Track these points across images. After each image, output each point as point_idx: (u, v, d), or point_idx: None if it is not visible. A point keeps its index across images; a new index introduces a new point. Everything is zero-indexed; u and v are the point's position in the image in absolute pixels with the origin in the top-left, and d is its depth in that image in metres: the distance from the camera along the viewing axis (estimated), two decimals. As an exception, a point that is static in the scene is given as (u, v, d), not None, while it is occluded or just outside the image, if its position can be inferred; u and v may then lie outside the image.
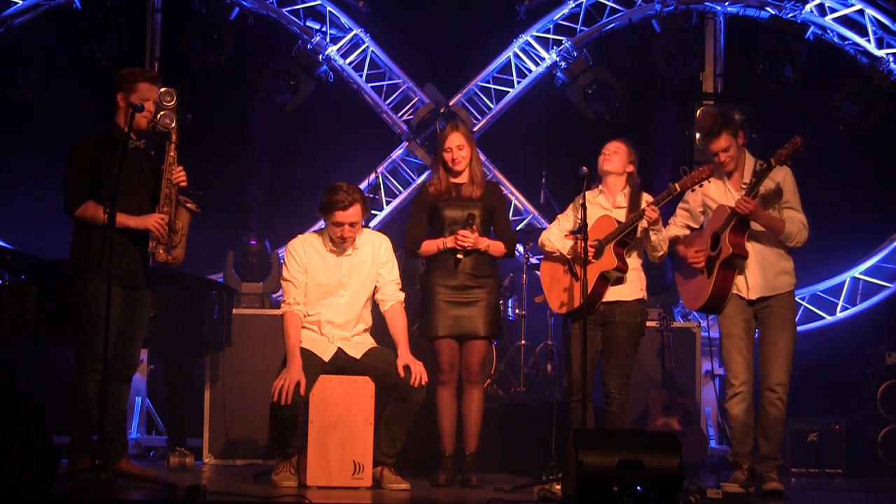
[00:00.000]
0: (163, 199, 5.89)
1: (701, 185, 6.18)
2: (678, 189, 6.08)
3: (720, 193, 6.22)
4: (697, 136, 9.03)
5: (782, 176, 6.12)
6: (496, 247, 6.41)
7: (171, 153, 5.92)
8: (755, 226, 6.07)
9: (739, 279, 6.13)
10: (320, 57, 9.43)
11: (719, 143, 6.15)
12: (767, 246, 6.12)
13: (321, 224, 6.89)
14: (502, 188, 8.13)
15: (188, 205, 5.94)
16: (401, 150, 9.67)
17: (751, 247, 6.11)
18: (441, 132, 6.54)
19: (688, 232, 6.35)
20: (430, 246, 6.41)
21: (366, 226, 6.98)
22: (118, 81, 5.91)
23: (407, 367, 5.99)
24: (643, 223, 6.05)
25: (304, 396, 5.88)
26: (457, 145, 6.39)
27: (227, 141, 9.25)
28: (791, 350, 6.09)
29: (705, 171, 6.10)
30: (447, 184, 6.43)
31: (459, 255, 6.31)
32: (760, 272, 6.11)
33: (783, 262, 6.15)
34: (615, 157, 6.24)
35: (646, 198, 6.20)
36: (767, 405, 6.09)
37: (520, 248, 8.65)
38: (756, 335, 6.20)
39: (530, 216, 9.59)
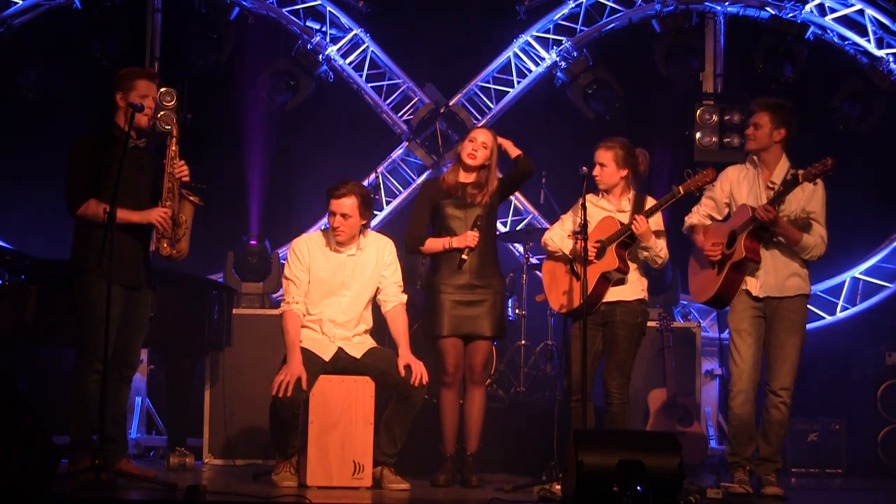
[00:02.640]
0: (165, 194, 5.89)
1: (704, 189, 6.19)
2: (681, 192, 6.07)
3: (749, 185, 6.19)
4: (698, 135, 9.10)
5: (813, 188, 6.07)
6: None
7: (173, 147, 5.92)
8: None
9: (750, 276, 6.12)
10: (320, 57, 9.43)
11: (755, 118, 6.17)
12: (783, 249, 6.10)
13: (322, 224, 6.92)
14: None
15: (191, 198, 5.94)
16: (401, 150, 9.67)
17: (766, 248, 6.09)
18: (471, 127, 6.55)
19: (709, 222, 6.30)
20: (434, 244, 6.39)
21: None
22: (116, 81, 5.92)
23: (407, 367, 5.99)
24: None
25: (305, 391, 5.88)
26: (481, 141, 6.37)
27: (226, 141, 9.25)
28: (798, 355, 6.07)
29: (709, 175, 6.10)
30: (455, 182, 6.42)
31: (464, 256, 6.30)
32: (773, 272, 6.09)
33: (796, 267, 6.11)
34: (604, 172, 6.19)
35: (649, 202, 6.19)
36: (771, 408, 6.08)
37: (520, 248, 8.65)
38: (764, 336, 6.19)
39: (530, 216, 9.59)
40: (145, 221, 5.84)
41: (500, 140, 6.39)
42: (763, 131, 6.15)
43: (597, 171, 6.20)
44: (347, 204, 6.06)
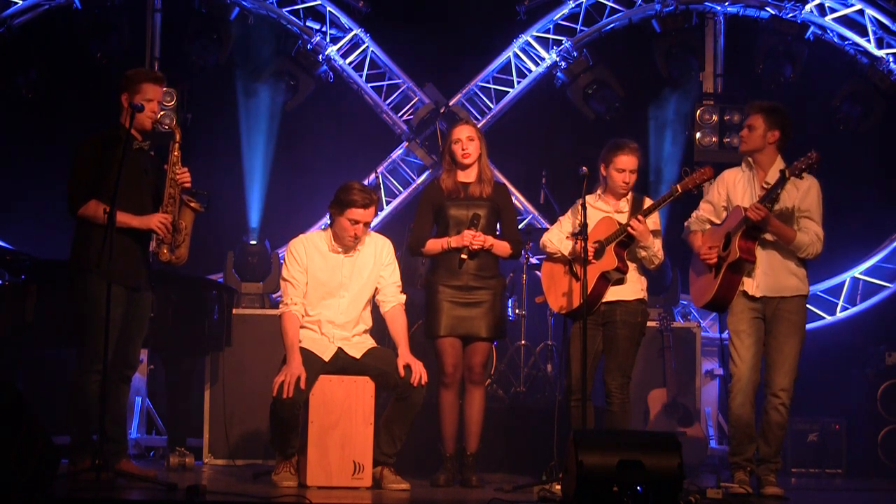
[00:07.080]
0: (166, 199, 5.89)
1: (702, 188, 6.19)
2: (679, 190, 6.07)
3: (744, 187, 6.19)
4: (698, 135, 9.11)
5: (807, 186, 6.08)
6: (501, 246, 6.38)
7: (175, 152, 5.92)
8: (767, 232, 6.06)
9: (746, 277, 6.12)
10: (320, 57, 9.44)
11: (749, 119, 6.18)
12: (779, 248, 6.09)
13: (322, 224, 6.89)
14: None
15: (192, 204, 5.93)
16: (401, 150, 9.67)
17: (763, 248, 6.09)
18: (449, 128, 6.53)
19: (708, 227, 6.29)
20: (434, 245, 6.38)
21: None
22: (122, 82, 5.90)
23: (407, 367, 5.99)
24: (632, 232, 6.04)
25: (305, 391, 5.88)
26: (466, 136, 6.36)
27: (226, 141, 9.25)
28: (797, 356, 6.06)
29: (707, 173, 6.10)
30: (455, 182, 6.42)
31: (464, 256, 6.28)
32: (771, 271, 6.08)
33: (794, 267, 6.10)
34: (633, 178, 6.19)
35: (647, 202, 6.18)
36: (770, 409, 6.07)
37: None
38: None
39: (530, 216, 9.59)
40: (145, 227, 5.83)
41: (488, 240, 6.33)
42: (756, 133, 6.16)
43: (627, 177, 6.16)
44: (370, 212, 6.07)
